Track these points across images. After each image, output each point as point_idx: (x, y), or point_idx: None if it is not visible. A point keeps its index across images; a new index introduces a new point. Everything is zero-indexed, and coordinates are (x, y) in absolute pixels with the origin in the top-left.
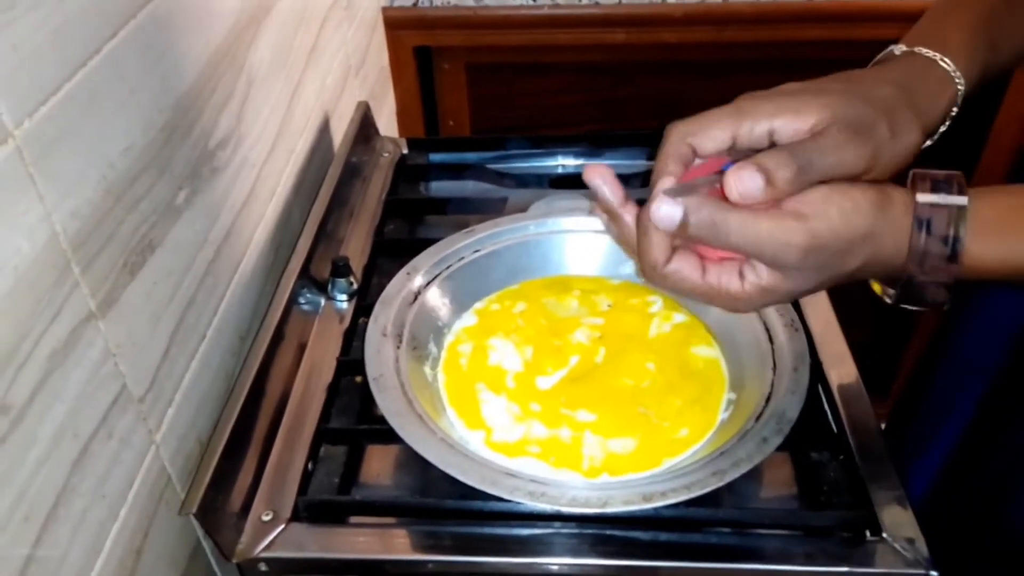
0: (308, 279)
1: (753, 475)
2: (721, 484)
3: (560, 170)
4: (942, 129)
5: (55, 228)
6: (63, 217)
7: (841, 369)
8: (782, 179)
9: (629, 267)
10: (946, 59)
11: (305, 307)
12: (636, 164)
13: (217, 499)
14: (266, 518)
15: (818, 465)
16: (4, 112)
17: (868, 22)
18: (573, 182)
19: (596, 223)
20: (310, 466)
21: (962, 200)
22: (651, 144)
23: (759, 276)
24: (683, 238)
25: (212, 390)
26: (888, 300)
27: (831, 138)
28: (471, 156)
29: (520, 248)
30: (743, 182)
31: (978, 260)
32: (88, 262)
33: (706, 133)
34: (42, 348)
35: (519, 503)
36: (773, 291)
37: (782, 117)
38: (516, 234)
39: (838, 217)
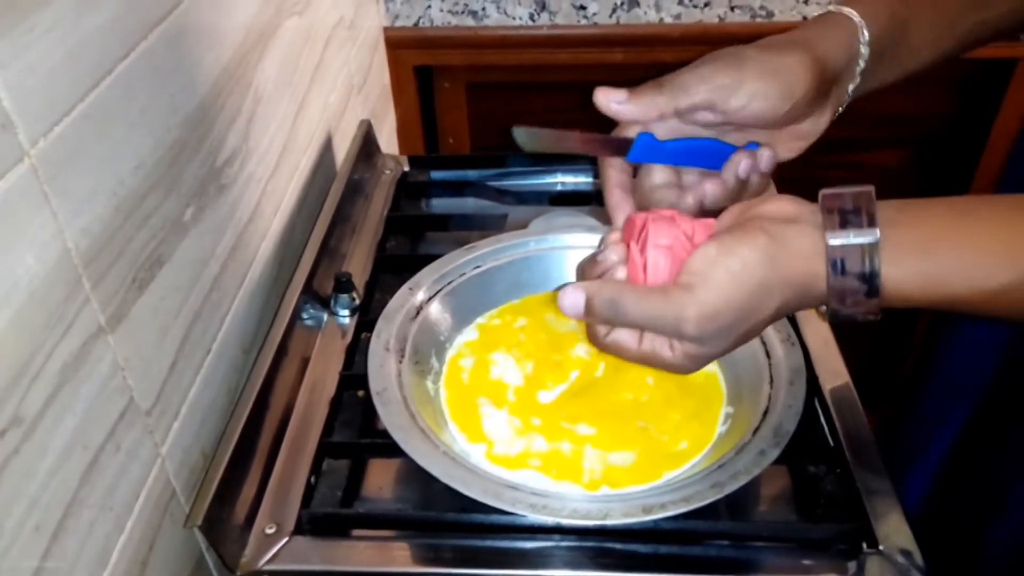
0: (311, 294)
1: (751, 488)
2: (720, 496)
3: (559, 187)
4: (859, 67)
5: (67, 244)
6: (75, 234)
7: (837, 383)
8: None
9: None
10: (843, 7)
11: (308, 322)
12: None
13: (221, 512)
14: (269, 531)
15: (815, 478)
16: (21, 132)
17: None
18: (572, 199)
19: (596, 240)
20: (313, 479)
21: (873, 236)
22: None
23: (681, 344)
24: (592, 319)
25: (216, 403)
26: (822, 319)
27: (692, 65)
28: (472, 173)
29: (521, 264)
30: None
31: (900, 289)
32: (98, 278)
33: (641, 110)
34: (54, 362)
35: (520, 515)
36: (697, 356)
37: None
38: (517, 250)
39: (726, 281)
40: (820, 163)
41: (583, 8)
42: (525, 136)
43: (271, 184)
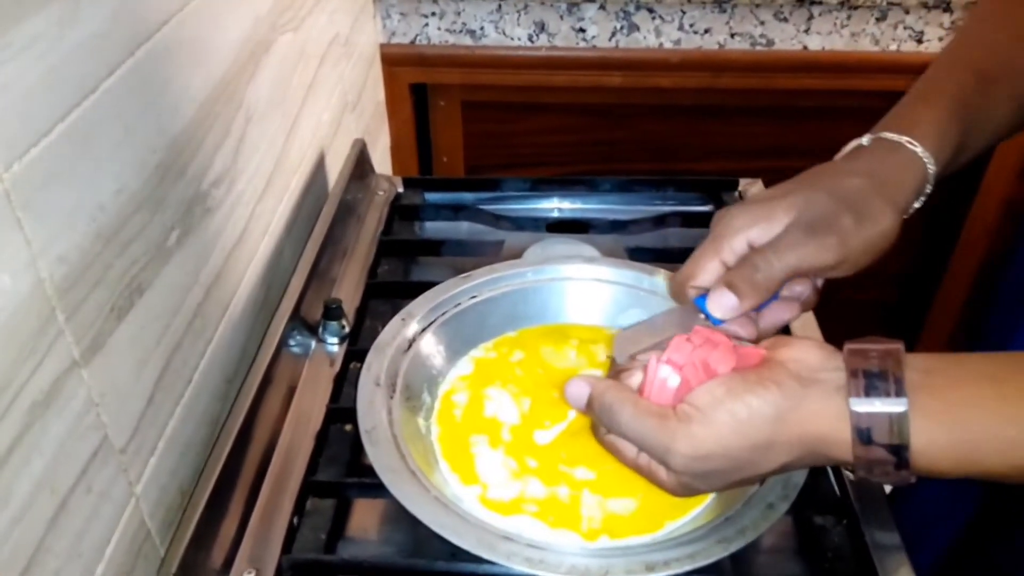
0: (299, 321)
1: (756, 539)
2: (726, 554)
3: (556, 213)
4: (916, 205)
5: (41, 274)
6: (50, 262)
7: None
8: (746, 288)
9: (627, 317)
10: (913, 141)
11: (295, 350)
12: (633, 210)
13: (198, 557)
14: None
15: (821, 529)
16: None
17: (860, 73)
18: (569, 227)
19: (595, 271)
20: (295, 521)
21: (901, 405)
22: (649, 190)
23: (668, 472)
24: (592, 416)
25: (196, 437)
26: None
27: (790, 237)
28: (467, 196)
29: (518, 295)
30: (719, 300)
31: (932, 462)
32: (74, 309)
33: (700, 276)
34: (22, 400)
35: (516, 569)
36: (689, 487)
37: (756, 228)
38: (514, 280)
39: (727, 427)
40: None
41: (582, 31)
42: (624, 343)
43: (260, 206)
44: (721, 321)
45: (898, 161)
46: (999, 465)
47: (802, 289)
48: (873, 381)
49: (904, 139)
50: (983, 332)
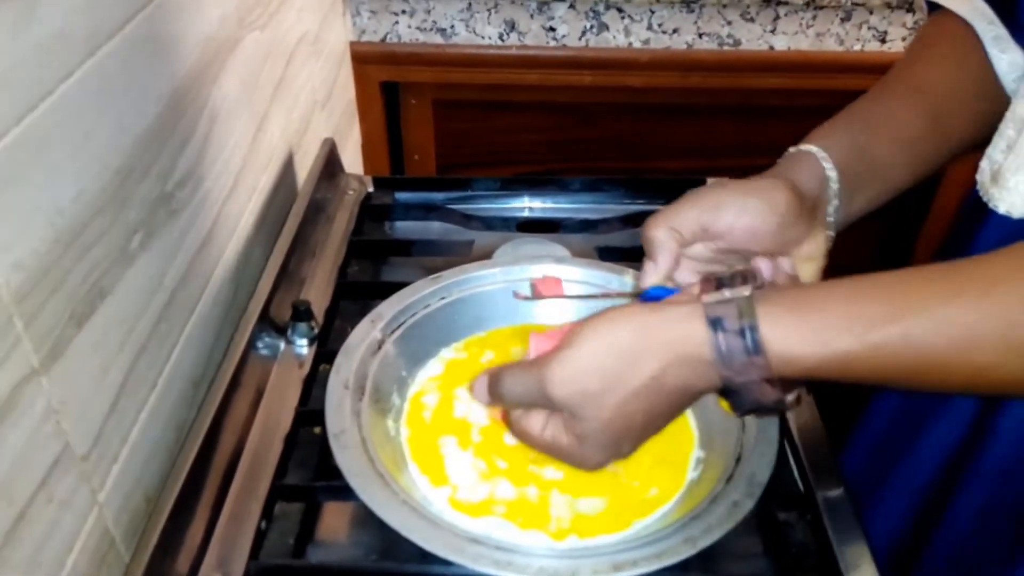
0: (267, 322)
1: (722, 537)
2: (693, 552)
3: (527, 212)
4: (834, 190)
5: None
6: (5, 270)
7: (807, 425)
8: (651, 249)
9: None
10: (802, 147)
11: (263, 352)
12: (604, 208)
13: (164, 564)
14: None
15: (785, 525)
16: None
17: (825, 72)
18: (540, 226)
19: (564, 271)
20: (263, 525)
21: (745, 291)
22: (619, 189)
23: (565, 423)
24: (496, 402)
25: (162, 441)
26: (736, 414)
27: (676, 203)
28: (438, 196)
29: (487, 296)
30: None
31: (786, 348)
32: (32, 315)
33: (645, 280)
34: None
35: (484, 571)
36: (585, 436)
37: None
38: (484, 281)
39: (591, 342)
40: None
41: (553, 30)
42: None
43: (227, 206)
44: (664, 292)
45: (789, 157)
46: (848, 342)
47: (763, 265)
48: (723, 282)
49: (792, 149)
50: None
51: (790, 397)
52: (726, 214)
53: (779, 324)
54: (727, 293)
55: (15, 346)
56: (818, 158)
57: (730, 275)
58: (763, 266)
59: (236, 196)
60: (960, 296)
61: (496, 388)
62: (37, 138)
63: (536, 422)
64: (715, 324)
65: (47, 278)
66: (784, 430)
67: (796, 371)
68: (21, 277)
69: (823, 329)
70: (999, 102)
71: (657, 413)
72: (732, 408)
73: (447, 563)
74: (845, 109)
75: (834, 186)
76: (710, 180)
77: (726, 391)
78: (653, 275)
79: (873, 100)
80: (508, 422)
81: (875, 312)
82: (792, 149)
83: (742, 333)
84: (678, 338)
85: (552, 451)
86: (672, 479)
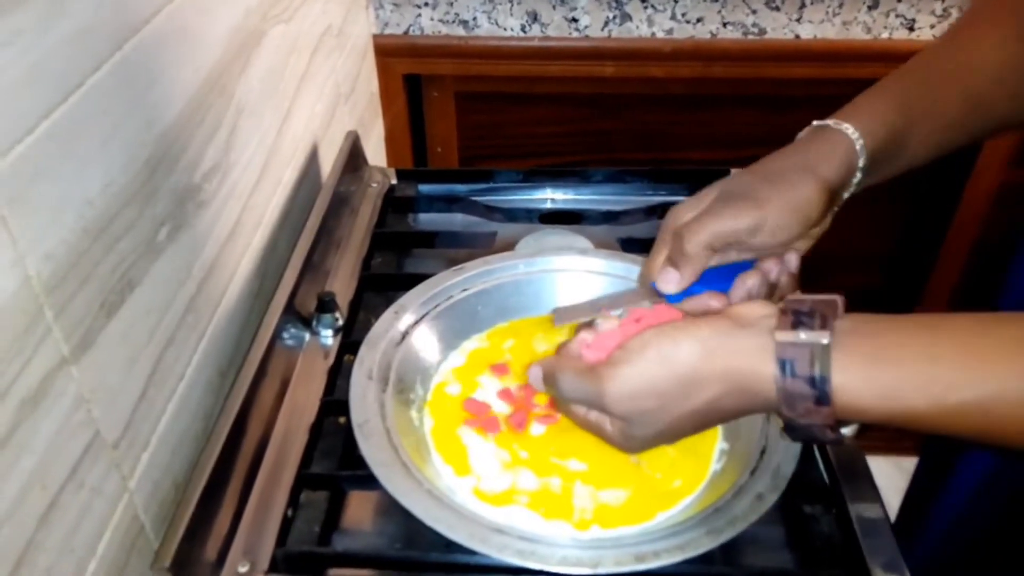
0: (293, 314)
1: (745, 529)
2: (716, 545)
3: (549, 204)
4: (856, 180)
5: (28, 272)
6: (37, 260)
7: None
8: (679, 259)
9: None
10: (840, 121)
11: (289, 342)
12: (625, 200)
13: (192, 550)
14: (243, 569)
15: (810, 519)
16: None
17: (851, 61)
18: (562, 218)
19: (586, 263)
20: (290, 513)
21: (823, 338)
22: (641, 180)
23: (611, 422)
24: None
25: (190, 430)
26: (784, 437)
27: (710, 208)
28: (460, 188)
29: (510, 287)
30: (664, 278)
31: (854, 400)
32: (62, 306)
33: (654, 270)
34: (11, 399)
35: (508, 561)
36: (632, 437)
37: (689, 211)
38: (506, 272)
39: (654, 363)
40: None
41: (575, 21)
42: (564, 313)
43: (253, 198)
44: (678, 298)
45: (824, 138)
46: (923, 406)
47: (771, 267)
48: (801, 318)
49: (831, 121)
50: None
51: (847, 431)
52: (764, 234)
53: (852, 376)
54: (803, 336)
55: (46, 335)
56: (853, 141)
57: (808, 310)
58: (771, 268)
59: (262, 188)
60: None
61: (551, 382)
62: (66, 130)
63: (581, 408)
64: (784, 366)
65: (77, 269)
66: None
67: (861, 419)
68: (51, 268)
69: (897, 387)
70: None
71: (707, 425)
72: (785, 431)
73: (471, 552)
74: (887, 82)
75: (859, 175)
76: (734, 171)
77: (785, 425)
78: (674, 285)
79: (917, 80)
80: (557, 404)
81: (952, 377)
82: (830, 122)
83: (812, 382)
84: (743, 370)
85: (591, 429)
86: (696, 470)
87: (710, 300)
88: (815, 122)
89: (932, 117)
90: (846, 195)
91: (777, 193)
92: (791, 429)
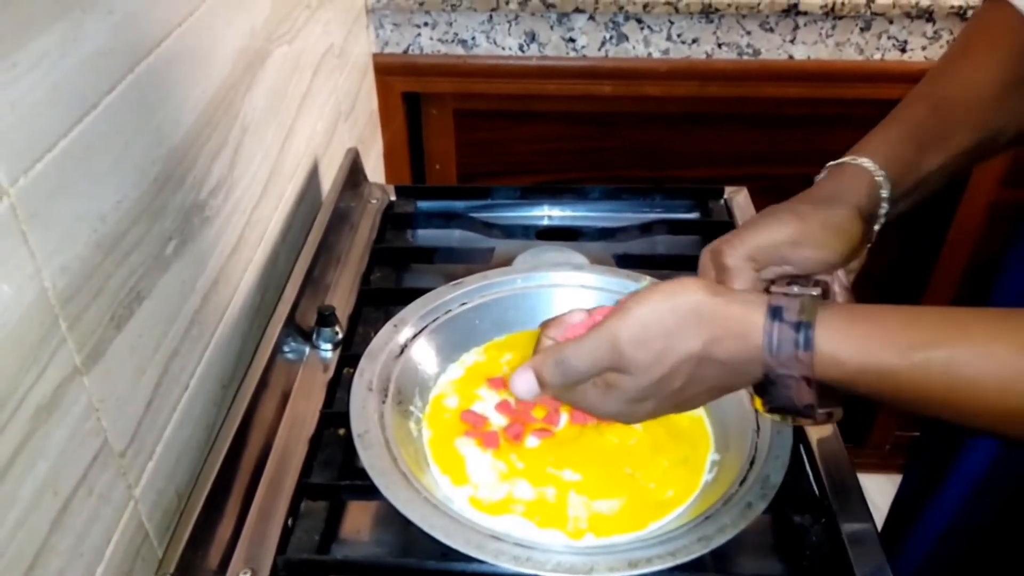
0: (293, 327)
1: (736, 538)
2: (706, 551)
3: (546, 221)
4: (883, 212)
5: (44, 284)
6: (53, 273)
7: (822, 430)
8: (722, 274)
9: None
10: (857, 157)
11: (289, 356)
12: (621, 217)
13: (195, 557)
14: None
15: (800, 528)
16: (0, 170)
17: (845, 81)
18: (558, 234)
19: (582, 278)
20: (290, 522)
21: (814, 291)
22: (637, 198)
23: (614, 380)
24: (548, 392)
25: (193, 441)
26: (765, 411)
27: (750, 222)
28: (458, 204)
29: (508, 301)
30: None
31: (834, 351)
32: (75, 317)
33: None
34: (26, 406)
35: (504, 567)
36: (641, 390)
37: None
38: (504, 287)
39: (660, 298)
40: None
41: (572, 40)
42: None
43: (256, 214)
44: None
45: (846, 174)
46: (898, 362)
47: (825, 279)
48: (797, 280)
49: (848, 158)
50: None
51: (822, 411)
52: (805, 249)
53: (833, 327)
54: (795, 288)
55: (60, 346)
56: (874, 176)
57: (804, 279)
58: (840, 274)
59: (264, 204)
60: (1008, 334)
61: (551, 372)
62: (83, 148)
63: (588, 383)
64: (774, 313)
65: (90, 282)
66: (800, 435)
67: (837, 376)
68: (66, 280)
69: (871, 340)
70: None
71: (695, 382)
72: (763, 404)
73: (468, 559)
74: (896, 113)
75: (885, 206)
76: (784, 205)
77: (763, 384)
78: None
79: (925, 109)
80: (558, 396)
81: (923, 336)
82: (847, 159)
83: (797, 327)
84: (735, 316)
85: (599, 404)
86: (688, 481)
87: None
88: (830, 163)
89: (943, 144)
90: (876, 227)
91: (817, 210)
92: (770, 388)
